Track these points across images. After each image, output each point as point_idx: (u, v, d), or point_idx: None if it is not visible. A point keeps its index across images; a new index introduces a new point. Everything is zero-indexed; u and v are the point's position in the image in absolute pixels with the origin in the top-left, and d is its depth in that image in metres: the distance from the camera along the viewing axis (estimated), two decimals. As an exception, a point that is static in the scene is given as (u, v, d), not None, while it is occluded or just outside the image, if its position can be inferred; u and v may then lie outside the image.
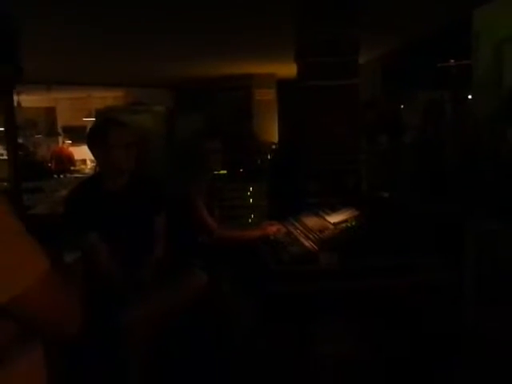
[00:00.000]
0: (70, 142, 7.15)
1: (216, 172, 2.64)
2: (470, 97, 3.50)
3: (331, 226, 2.22)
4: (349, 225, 2.19)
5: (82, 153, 6.69)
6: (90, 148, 1.97)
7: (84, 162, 7.16)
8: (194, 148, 2.49)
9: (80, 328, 0.80)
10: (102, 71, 5.07)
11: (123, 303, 1.76)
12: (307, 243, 2.14)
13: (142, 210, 2.00)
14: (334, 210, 2.41)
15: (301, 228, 2.35)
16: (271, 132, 5.31)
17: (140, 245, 1.98)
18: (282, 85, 5.14)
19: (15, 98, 3.33)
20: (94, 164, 5.61)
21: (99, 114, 5.19)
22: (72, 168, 6.77)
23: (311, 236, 2.20)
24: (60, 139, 7.35)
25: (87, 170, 6.67)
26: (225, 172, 2.88)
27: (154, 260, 1.99)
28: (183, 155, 2.57)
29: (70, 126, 7.13)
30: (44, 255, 0.76)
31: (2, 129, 2.63)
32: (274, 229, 2.40)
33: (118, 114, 4.05)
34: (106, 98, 6.67)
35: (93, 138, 1.97)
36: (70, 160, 6.93)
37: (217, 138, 2.51)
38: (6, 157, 2.68)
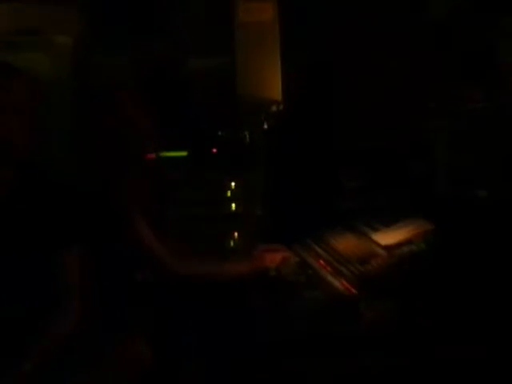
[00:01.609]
0: None
1: (165, 154, 2.68)
2: None
3: (381, 252, 2.25)
4: (414, 249, 2.22)
5: None
6: None
7: None
8: (121, 111, 2.47)
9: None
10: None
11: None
12: (337, 284, 2.17)
13: (35, 239, 2.00)
14: (386, 221, 2.45)
15: (326, 255, 2.39)
16: (269, 82, 5.25)
17: (27, 309, 1.96)
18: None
19: None
20: None
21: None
22: None
23: (345, 270, 2.23)
24: None
25: None
26: (184, 154, 2.90)
27: (58, 337, 1.99)
28: (101, 127, 2.57)
29: None
30: None
31: None
32: (275, 258, 2.41)
33: None
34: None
35: None
36: None
37: (166, 91, 2.62)
38: None
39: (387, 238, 2.31)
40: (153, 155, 2.77)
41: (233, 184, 3.16)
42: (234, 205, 3.13)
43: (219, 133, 3.44)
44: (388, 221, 2.45)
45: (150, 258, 2.32)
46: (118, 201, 2.30)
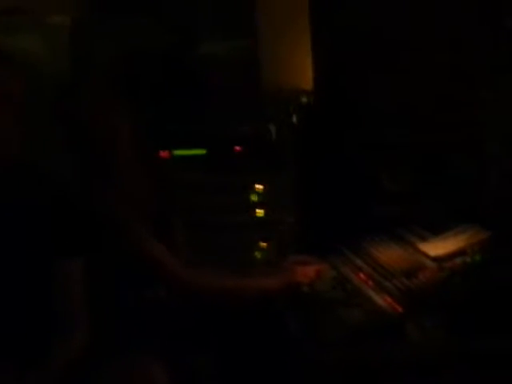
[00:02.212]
0: None
1: (180, 153, 2.77)
2: None
3: (430, 264, 2.29)
4: (467, 260, 2.26)
5: None
6: None
7: None
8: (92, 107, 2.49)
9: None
10: None
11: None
12: (380, 300, 2.22)
13: (32, 248, 2.05)
14: (435, 229, 2.51)
15: (367, 268, 2.44)
16: (297, 69, 5.29)
17: (27, 323, 2.04)
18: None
19: None
20: None
21: None
22: None
23: (389, 285, 2.27)
24: None
25: None
26: (202, 152, 3.01)
27: (62, 360, 2.05)
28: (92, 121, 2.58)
29: None
30: None
31: None
32: (309, 272, 2.49)
33: None
34: None
35: None
36: None
37: (179, 81, 2.70)
38: None
39: (437, 248, 2.34)
40: (166, 154, 2.90)
41: (258, 187, 3.19)
42: (260, 210, 3.18)
43: (242, 128, 3.45)
44: (437, 229, 2.48)
45: (156, 270, 2.38)
46: (106, 208, 2.35)
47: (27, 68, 2.22)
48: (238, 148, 3.31)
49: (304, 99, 4.48)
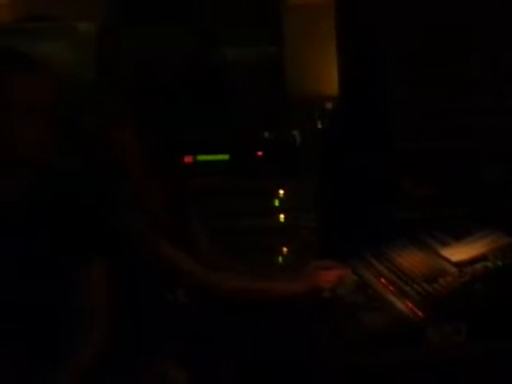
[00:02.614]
0: None
1: (203, 158, 2.78)
2: None
3: (452, 269, 2.28)
4: (489, 266, 2.24)
5: None
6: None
7: None
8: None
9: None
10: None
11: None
12: (401, 305, 2.21)
13: (57, 247, 2.05)
14: (457, 234, 2.51)
15: (388, 273, 2.45)
16: (323, 74, 5.28)
17: (45, 323, 2.03)
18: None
19: None
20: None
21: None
22: None
23: (410, 290, 2.27)
24: None
25: None
26: (225, 157, 3.03)
27: (81, 364, 2.03)
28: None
29: None
30: None
31: None
32: (330, 276, 2.50)
33: (1, 40, 4.09)
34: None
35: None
36: None
37: (202, 86, 2.65)
38: None
39: (458, 253, 2.32)
40: (190, 159, 2.93)
41: (281, 192, 3.20)
42: (282, 216, 3.20)
43: (265, 134, 3.47)
44: (459, 234, 2.48)
45: (175, 273, 2.42)
46: (120, 217, 2.35)
47: (56, 75, 2.10)
48: (260, 153, 3.33)
49: (328, 105, 4.51)
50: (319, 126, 3.92)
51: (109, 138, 2.44)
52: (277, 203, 3.20)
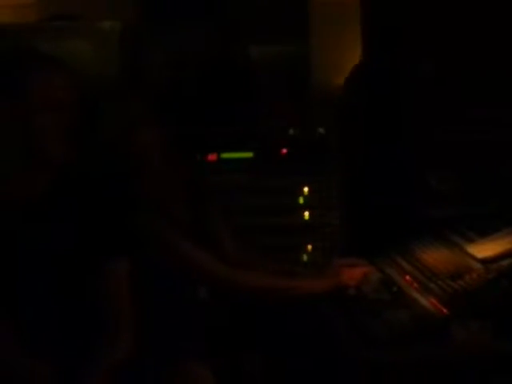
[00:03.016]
0: None
1: (227, 155, 2.78)
2: None
3: (477, 266, 2.28)
4: None
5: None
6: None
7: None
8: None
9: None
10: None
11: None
12: (426, 302, 2.22)
13: (82, 246, 2.07)
14: (483, 231, 2.49)
15: (413, 270, 2.44)
16: (348, 71, 5.24)
17: (74, 323, 2.06)
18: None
19: None
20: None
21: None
22: None
23: (435, 287, 2.27)
24: None
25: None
26: (249, 155, 3.03)
27: (109, 362, 2.06)
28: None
29: None
30: None
31: None
32: (355, 274, 2.50)
33: (27, 40, 4.12)
34: (2, 8, 6.84)
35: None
36: None
37: (227, 83, 2.69)
38: None
39: (484, 250, 2.32)
40: (214, 156, 2.93)
41: (306, 189, 3.20)
42: (307, 213, 3.19)
43: (290, 131, 3.44)
44: (485, 230, 2.46)
45: (196, 272, 2.42)
46: (140, 213, 2.37)
47: (78, 75, 2.16)
48: (284, 151, 3.32)
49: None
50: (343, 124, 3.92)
51: (131, 138, 2.45)
52: (301, 201, 3.20)
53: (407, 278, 2.43)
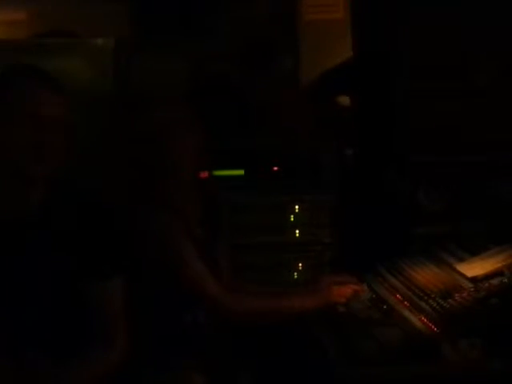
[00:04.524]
0: None
1: (218, 173, 2.81)
2: None
3: (467, 285, 2.28)
4: (505, 281, 2.23)
5: None
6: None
7: None
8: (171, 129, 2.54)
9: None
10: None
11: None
12: (416, 321, 2.22)
13: (72, 265, 2.06)
14: (472, 249, 2.50)
15: (403, 288, 2.44)
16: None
17: (60, 341, 2.05)
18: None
19: None
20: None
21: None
22: None
23: (425, 305, 2.27)
24: None
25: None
26: (240, 173, 3.04)
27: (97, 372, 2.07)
28: (147, 146, 2.57)
29: None
30: None
31: None
32: (345, 291, 2.50)
33: (18, 57, 4.11)
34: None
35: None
36: None
37: (218, 100, 2.72)
38: None
39: (474, 268, 2.32)
40: (205, 174, 2.92)
41: (296, 207, 3.20)
42: (297, 231, 3.19)
43: (280, 149, 3.44)
44: (475, 249, 2.46)
45: (201, 297, 2.40)
46: (166, 238, 2.38)
47: (68, 91, 2.13)
48: (275, 168, 3.34)
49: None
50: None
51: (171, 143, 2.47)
52: (292, 218, 3.20)
53: (397, 296, 2.43)
